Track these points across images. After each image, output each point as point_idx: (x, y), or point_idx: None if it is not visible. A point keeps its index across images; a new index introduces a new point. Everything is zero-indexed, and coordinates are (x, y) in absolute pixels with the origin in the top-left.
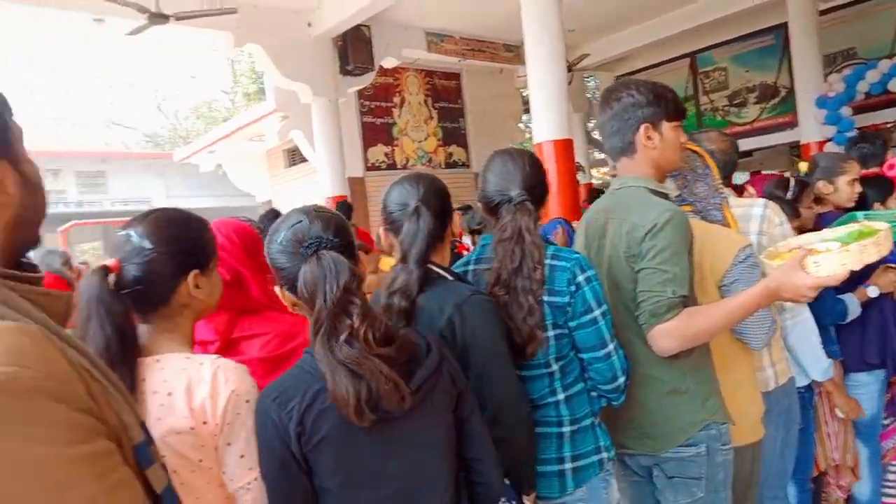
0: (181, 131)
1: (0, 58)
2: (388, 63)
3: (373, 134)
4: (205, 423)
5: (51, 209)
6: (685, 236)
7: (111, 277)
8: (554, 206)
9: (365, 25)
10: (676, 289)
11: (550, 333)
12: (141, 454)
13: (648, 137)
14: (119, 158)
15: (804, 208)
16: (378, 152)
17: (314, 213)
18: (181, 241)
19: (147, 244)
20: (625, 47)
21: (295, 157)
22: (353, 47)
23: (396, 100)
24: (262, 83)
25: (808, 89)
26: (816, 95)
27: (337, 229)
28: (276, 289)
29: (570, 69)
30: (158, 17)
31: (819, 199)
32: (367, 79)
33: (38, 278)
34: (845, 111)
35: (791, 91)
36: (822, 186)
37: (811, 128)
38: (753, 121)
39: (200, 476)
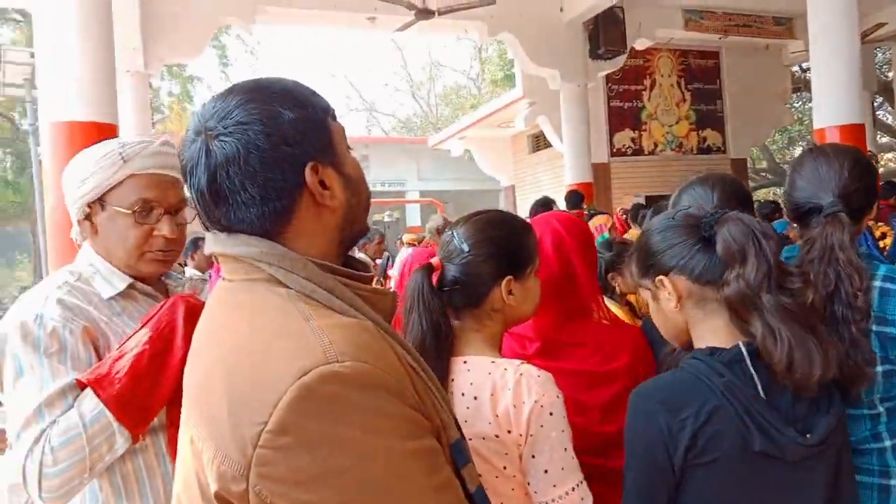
0: (431, 118)
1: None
2: (641, 45)
3: (619, 119)
4: (509, 431)
5: None
6: None
7: (434, 276)
8: None
9: (618, 7)
10: None
11: (879, 369)
12: (457, 452)
13: None
14: (381, 143)
15: None
16: (624, 137)
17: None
18: (499, 245)
19: (465, 246)
20: None
21: (539, 142)
22: (605, 30)
23: (646, 82)
24: (508, 70)
25: None
26: None
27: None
28: (648, 285)
29: (861, 40)
30: (425, 13)
31: None
32: (618, 62)
33: (368, 276)
34: None
35: None
36: None
37: None
38: None
39: (505, 483)
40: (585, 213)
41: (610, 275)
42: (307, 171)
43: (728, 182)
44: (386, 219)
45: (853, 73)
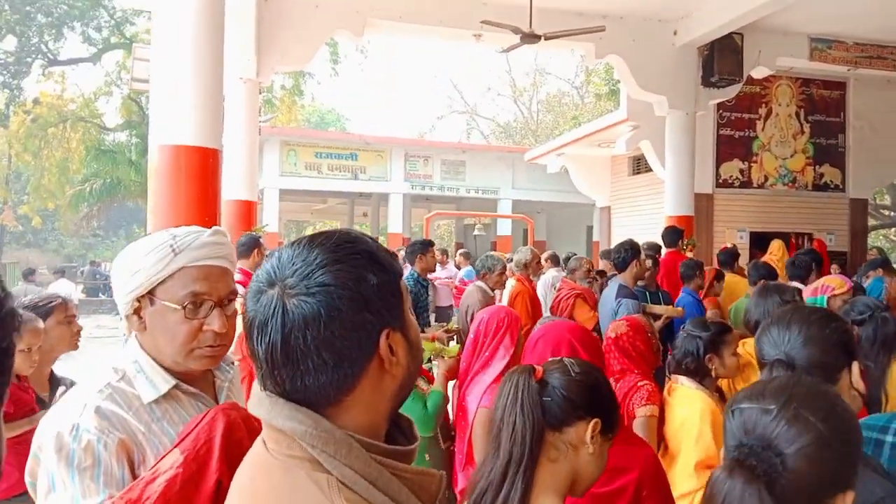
0: (532, 124)
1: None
2: (759, 73)
3: (729, 148)
4: None
5: (418, 191)
6: None
7: None
8: None
9: (737, 33)
10: None
11: None
12: None
13: None
14: (477, 150)
15: None
16: (732, 168)
17: None
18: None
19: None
20: None
21: (640, 165)
22: (720, 57)
23: (762, 111)
24: (614, 85)
25: None
26: None
27: None
28: None
29: None
30: (531, 37)
31: None
32: (732, 91)
33: (411, 451)
34: None
35: None
36: None
37: None
38: None
39: None
40: (683, 250)
41: (708, 356)
42: (382, 338)
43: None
44: (476, 233)
45: None
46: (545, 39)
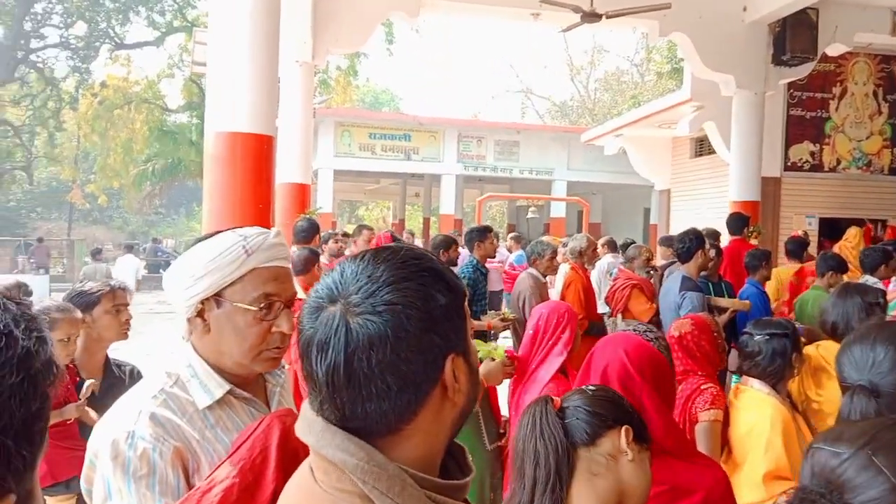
0: (588, 103)
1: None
2: (835, 50)
3: (799, 129)
4: None
5: (471, 171)
6: None
7: None
8: None
9: (812, 8)
10: None
11: None
12: None
13: None
14: (532, 130)
15: None
16: (802, 150)
17: None
18: None
19: None
20: None
21: (703, 147)
22: (794, 33)
23: (836, 90)
24: (676, 63)
25: None
26: None
27: None
28: None
29: None
30: (592, 16)
31: None
32: (805, 70)
33: (463, 486)
34: None
35: None
36: None
37: None
38: None
39: None
40: (748, 238)
41: (794, 355)
42: (447, 362)
43: None
44: (529, 215)
45: None
46: (607, 18)
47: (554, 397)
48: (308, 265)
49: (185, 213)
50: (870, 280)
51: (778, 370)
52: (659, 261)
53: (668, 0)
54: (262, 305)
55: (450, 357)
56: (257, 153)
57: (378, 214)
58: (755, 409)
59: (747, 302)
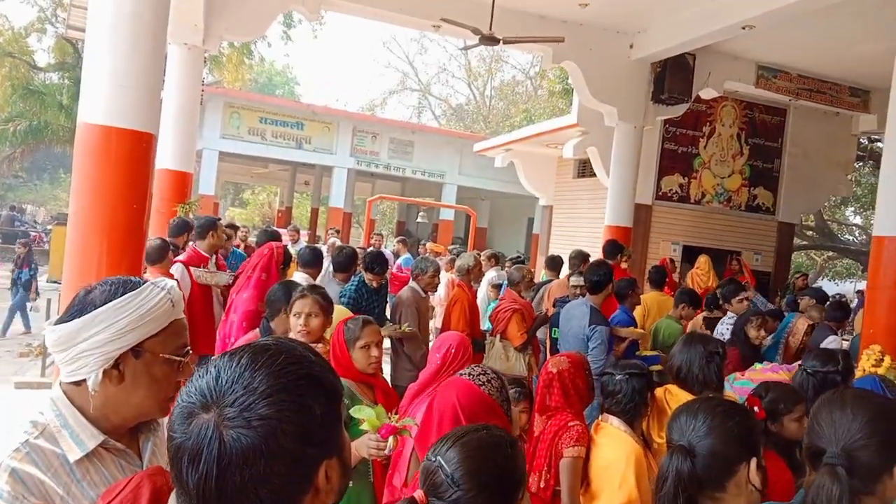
0: (484, 110)
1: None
2: (707, 94)
3: (671, 162)
4: None
5: (364, 167)
6: None
7: None
8: (885, 318)
9: (690, 54)
10: None
11: None
12: None
13: None
14: (427, 132)
15: None
16: (672, 182)
17: None
18: (488, 472)
19: (455, 478)
20: None
21: (585, 169)
22: (672, 76)
23: (706, 129)
24: (567, 85)
25: None
26: None
27: None
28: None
29: None
30: (490, 40)
31: None
32: (680, 110)
33: None
34: None
35: None
36: None
37: None
38: None
39: None
40: (620, 263)
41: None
42: (321, 469)
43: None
44: (419, 219)
45: None
46: (504, 43)
47: (416, 499)
48: (162, 254)
49: (50, 180)
50: (759, 299)
51: (635, 408)
52: (539, 277)
53: (560, 35)
54: (181, 354)
55: (324, 463)
56: (134, 151)
57: (264, 199)
58: (613, 445)
59: (643, 332)
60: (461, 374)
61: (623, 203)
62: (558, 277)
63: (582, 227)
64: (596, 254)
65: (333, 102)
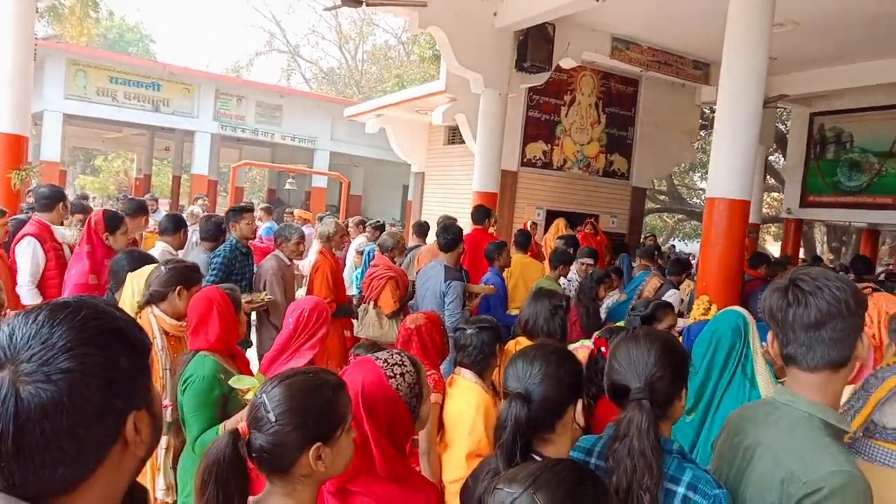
0: (356, 74)
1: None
2: (567, 64)
3: (535, 129)
4: None
5: (229, 132)
6: None
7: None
8: (715, 272)
9: (550, 24)
10: None
11: None
12: None
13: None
14: (296, 96)
15: None
16: (536, 149)
17: None
18: (308, 414)
19: (272, 416)
20: (828, 86)
21: (455, 136)
22: (534, 45)
23: (567, 98)
24: (437, 52)
25: None
26: None
27: None
28: None
29: (764, 105)
30: (353, 1)
31: None
32: (542, 78)
33: None
34: None
35: None
36: None
37: None
38: None
39: None
40: (488, 228)
41: (498, 347)
42: (129, 421)
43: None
44: (288, 186)
45: (749, 151)
46: (367, 6)
47: (241, 429)
48: (53, 202)
49: None
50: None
51: (485, 360)
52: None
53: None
54: None
55: (132, 414)
56: None
57: (119, 166)
58: (464, 395)
59: (492, 287)
60: (377, 359)
61: (490, 169)
62: (426, 243)
63: (454, 193)
64: (465, 219)
65: (195, 63)
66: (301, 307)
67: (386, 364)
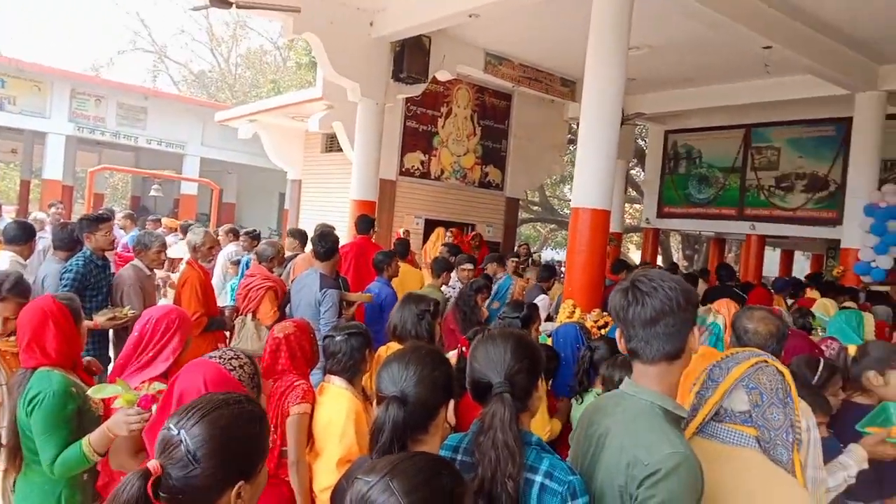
0: (229, 78)
1: None
2: (442, 76)
3: (413, 139)
4: None
5: (87, 134)
6: (693, 488)
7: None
8: (579, 277)
9: (426, 36)
10: None
11: None
12: None
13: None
14: (164, 98)
15: (830, 395)
16: (414, 159)
17: None
18: (234, 453)
19: (194, 456)
20: (680, 106)
21: (332, 144)
22: (410, 56)
23: (443, 109)
24: (314, 57)
25: (859, 192)
26: (867, 201)
27: None
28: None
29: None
30: (221, 2)
31: (864, 389)
32: (418, 89)
33: None
34: (893, 225)
35: (841, 188)
36: (872, 378)
37: (854, 232)
38: (797, 209)
39: None
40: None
41: (367, 352)
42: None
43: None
44: (152, 193)
45: (608, 167)
46: (237, 8)
47: (152, 468)
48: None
49: None
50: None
51: (355, 366)
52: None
53: (297, 5)
54: None
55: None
56: None
57: None
58: (334, 402)
59: (370, 295)
60: (212, 357)
61: (368, 178)
62: (303, 252)
63: (332, 201)
64: (345, 227)
65: (47, 60)
66: (149, 315)
67: (223, 360)
